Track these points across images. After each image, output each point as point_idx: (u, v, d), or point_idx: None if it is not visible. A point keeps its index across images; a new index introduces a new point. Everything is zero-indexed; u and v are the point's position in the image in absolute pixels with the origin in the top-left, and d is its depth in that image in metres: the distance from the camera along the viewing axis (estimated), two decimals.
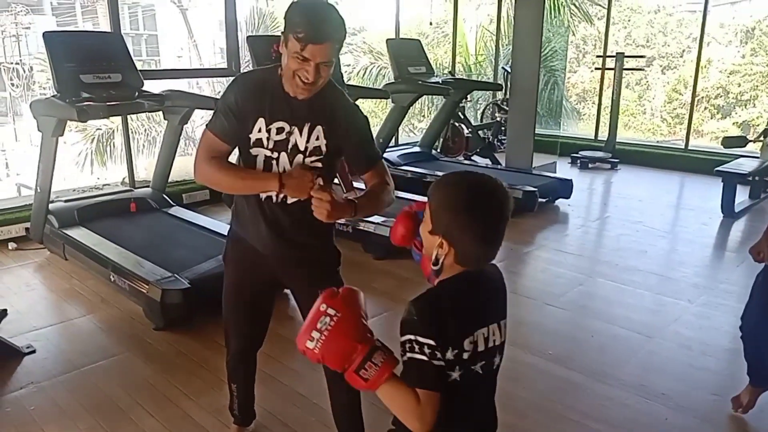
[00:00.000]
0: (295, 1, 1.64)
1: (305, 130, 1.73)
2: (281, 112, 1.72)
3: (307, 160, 1.75)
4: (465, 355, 1.10)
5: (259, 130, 1.72)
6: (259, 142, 1.73)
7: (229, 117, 1.73)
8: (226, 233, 2.03)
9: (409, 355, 1.08)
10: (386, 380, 1.08)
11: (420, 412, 1.06)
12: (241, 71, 5.59)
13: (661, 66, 14.10)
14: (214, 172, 1.75)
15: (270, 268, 1.89)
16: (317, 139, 1.74)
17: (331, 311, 1.12)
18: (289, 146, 1.73)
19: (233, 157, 1.83)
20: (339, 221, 1.81)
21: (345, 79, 5.99)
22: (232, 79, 1.82)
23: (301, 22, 1.57)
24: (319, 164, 1.76)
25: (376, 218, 4.22)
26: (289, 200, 1.77)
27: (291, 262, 1.87)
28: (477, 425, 1.22)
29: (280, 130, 1.72)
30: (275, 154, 1.74)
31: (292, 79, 1.65)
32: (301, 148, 1.74)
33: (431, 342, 1.06)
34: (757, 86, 12.64)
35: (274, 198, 1.76)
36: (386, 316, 3.19)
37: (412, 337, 1.07)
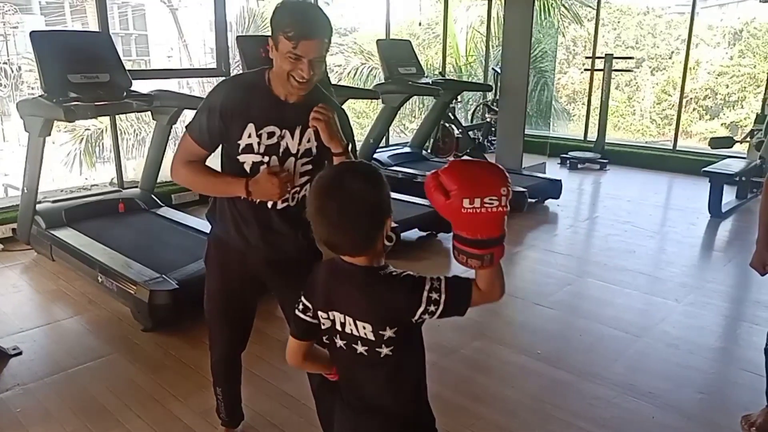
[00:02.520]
0: (278, 4, 1.66)
1: (297, 133, 1.75)
2: (271, 117, 1.73)
3: (299, 162, 1.77)
4: (323, 325, 1.29)
5: (249, 136, 1.72)
6: (249, 148, 1.73)
7: (213, 123, 1.72)
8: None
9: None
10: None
11: (288, 348, 1.37)
12: (231, 71, 5.58)
13: (650, 67, 14.19)
14: (190, 176, 1.80)
15: (255, 270, 1.90)
16: (308, 141, 1.76)
17: None
18: (281, 150, 1.75)
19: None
20: None
21: (335, 80, 5.98)
22: (219, 82, 1.80)
23: (291, 21, 1.60)
24: (310, 166, 1.79)
25: None
26: (279, 205, 1.79)
27: (278, 265, 1.88)
28: (357, 402, 1.32)
29: (270, 135, 1.73)
30: (266, 158, 1.74)
31: (286, 81, 1.66)
32: (293, 151, 1.76)
33: (303, 299, 1.31)
34: (744, 87, 12.75)
35: (269, 203, 1.79)
36: None
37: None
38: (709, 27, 13.40)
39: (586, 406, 2.53)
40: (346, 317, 1.23)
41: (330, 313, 1.26)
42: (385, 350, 1.22)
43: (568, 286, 3.85)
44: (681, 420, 2.45)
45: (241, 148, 1.73)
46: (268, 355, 2.77)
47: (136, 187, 4.82)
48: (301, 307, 1.31)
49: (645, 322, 3.34)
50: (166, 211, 4.54)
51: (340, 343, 1.27)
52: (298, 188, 1.81)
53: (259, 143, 1.72)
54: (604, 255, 4.43)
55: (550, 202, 5.74)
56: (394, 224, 1.26)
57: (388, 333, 1.20)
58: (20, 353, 2.89)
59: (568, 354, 2.99)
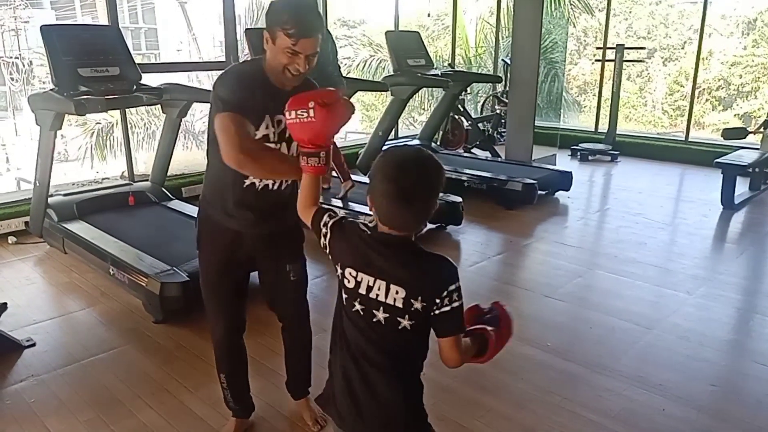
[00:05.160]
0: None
1: None
2: (277, 106, 1.78)
3: (293, 145, 1.89)
4: (345, 282, 1.33)
5: (267, 127, 1.82)
6: (265, 138, 1.83)
7: (242, 108, 1.72)
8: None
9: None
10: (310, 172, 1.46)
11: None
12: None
13: (662, 58, 14.05)
14: (261, 153, 1.73)
15: (250, 246, 2.01)
16: None
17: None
18: (287, 135, 1.85)
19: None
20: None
21: (344, 72, 5.97)
22: (223, 74, 1.83)
23: (290, 19, 1.69)
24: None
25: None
26: (271, 186, 1.93)
27: (268, 241, 2.02)
28: (361, 385, 1.33)
29: (279, 123, 1.84)
30: (278, 146, 1.86)
31: (282, 73, 1.77)
32: None
33: (331, 223, 1.37)
34: (758, 78, 12.60)
35: (257, 184, 1.91)
36: None
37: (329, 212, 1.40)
38: (722, 16, 13.23)
39: (596, 398, 2.52)
40: (377, 281, 1.28)
41: (360, 274, 1.30)
42: (405, 322, 1.28)
43: (579, 278, 3.84)
44: (692, 412, 2.44)
45: (258, 138, 1.81)
46: (278, 347, 2.77)
47: (147, 180, 4.85)
48: (325, 227, 1.37)
49: (656, 314, 3.32)
50: (177, 204, 4.57)
51: (357, 307, 1.31)
52: None
53: (274, 132, 1.83)
54: (615, 247, 4.41)
55: (560, 194, 5.71)
56: None
57: (417, 305, 1.26)
58: (34, 345, 2.93)
59: (577, 346, 2.98)
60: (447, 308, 1.25)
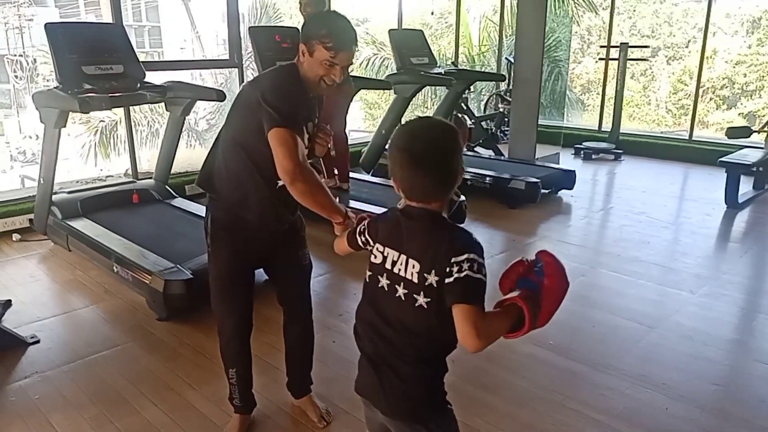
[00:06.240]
0: (315, 15, 1.88)
1: (315, 119, 2.03)
2: (313, 112, 1.99)
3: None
4: (373, 258, 1.37)
5: (307, 132, 1.93)
6: (302, 143, 1.90)
7: (299, 124, 1.83)
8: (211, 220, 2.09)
9: None
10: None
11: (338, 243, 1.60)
12: (243, 62, 5.59)
13: (666, 57, 14.02)
14: (319, 184, 1.80)
15: (266, 241, 2.08)
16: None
17: None
18: (308, 137, 1.96)
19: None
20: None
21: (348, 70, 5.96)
22: (274, 85, 1.85)
23: (330, 33, 1.80)
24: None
25: (376, 210, 4.22)
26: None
27: (288, 232, 2.14)
28: (377, 357, 1.36)
29: (310, 127, 1.97)
30: (306, 150, 1.92)
31: (317, 83, 1.87)
32: (310, 134, 2.00)
33: (366, 226, 1.45)
34: (763, 76, 12.57)
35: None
36: None
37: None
38: (726, 15, 13.19)
39: (598, 397, 2.52)
40: (401, 255, 1.31)
41: (386, 249, 1.34)
42: (421, 299, 1.26)
43: (582, 277, 3.83)
44: (694, 411, 2.44)
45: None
46: (280, 344, 2.78)
47: (151, 178, 4.86)
48: (360, 230, 1.46)
49: (659, 313, 3.32)
50: (180, 202, 4.58)
51: (383, 282, 1.34)
52: None
53: (308, 137, 1.94)
54: (618, 246, 4.40)
55: (563, 193, 5.71)
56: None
57: (431, 279, 1.24)
58: (38, 341, 2.94)
59: (580, 345, 2.98)
60: (452, 278, 1.19)
